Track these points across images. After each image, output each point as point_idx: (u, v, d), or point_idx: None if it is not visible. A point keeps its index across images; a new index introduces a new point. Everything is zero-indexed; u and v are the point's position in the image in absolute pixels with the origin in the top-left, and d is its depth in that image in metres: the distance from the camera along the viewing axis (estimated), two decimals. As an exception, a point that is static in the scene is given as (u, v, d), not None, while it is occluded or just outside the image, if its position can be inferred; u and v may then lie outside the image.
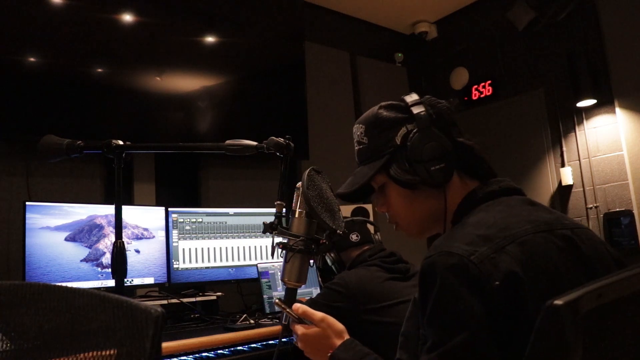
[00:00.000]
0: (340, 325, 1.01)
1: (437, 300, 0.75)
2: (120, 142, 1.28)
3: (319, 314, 1.01)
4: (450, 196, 0.94)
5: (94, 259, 2.10)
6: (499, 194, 0.92)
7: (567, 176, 3.27)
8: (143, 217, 2.29)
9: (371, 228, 2.21)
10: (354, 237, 2.08)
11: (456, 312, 0.73)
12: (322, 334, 0.99)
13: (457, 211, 0.93)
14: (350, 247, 2.06)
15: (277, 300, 1.05)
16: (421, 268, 0.79)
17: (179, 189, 2.88)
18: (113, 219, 1.30)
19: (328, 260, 2.13)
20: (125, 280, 1.26)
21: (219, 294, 2.43)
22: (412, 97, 0.96)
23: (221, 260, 2.46)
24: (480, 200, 0.91)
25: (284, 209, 1.09)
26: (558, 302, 0.59)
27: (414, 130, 0.93)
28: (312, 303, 1.90)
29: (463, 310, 0.73)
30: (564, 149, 3.32)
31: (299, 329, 1.01)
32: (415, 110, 0.94)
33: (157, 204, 2.59)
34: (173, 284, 2.32)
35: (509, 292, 0.72)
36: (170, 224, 2.35)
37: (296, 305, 1.02)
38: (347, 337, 1.01)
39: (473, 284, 0.73)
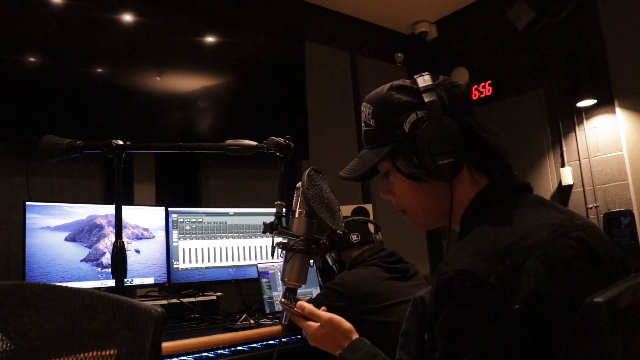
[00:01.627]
0: (347, 325, 1.02)
1: (450, 317, 0.73)
2: (120, 142, 1.27)
3: (325, 316, 1.01)
4: (458, 191, 0.89)
5: (94, 259, 2.10)
6: (512, 192, 0.88)
7: (567, 176, 3.27)
8: (143, 217, 2.29)
9: (372, 227, 2.21)
10: (354, 237, 2.07)
11: (467, 333, 0.71)
12: (329, 335, 1.01)
13: (470, 209, 0.88)
14: (350, 247, 2.06)
15: (282, 300, 1.05)
16: (436, 283, 0.76)
17: (179, 189, 2.88)
18: (113, 219, 1.30)
19: (329, 260, 2.13)
20: (125, 280, 1.26)
21: (219, 294, 2.43)
22: (424, 81, 0.88)
23: (221, 260, 2.46)
24: (494, 199, 0.87)
25: (284, 209, 1.09)
26: (598, 299, 0.60)
27: (424, 119, 0.86)
28: (312, 303, 1.90)
29: (475, 333, 0.71)
30: (564, 149, 3.32)
31: (309, 327, 1.02)
32: (427, 98, 0.86)
33: (157, 204, 2.59)
34: (173, 284, 2.32)
35: (529, 314, 0.70)
36: (170, 224, 2.35)
37: (301, 305, 1.02)
38: (355, 336, 1.01)
39: (491, 308, 0.70)
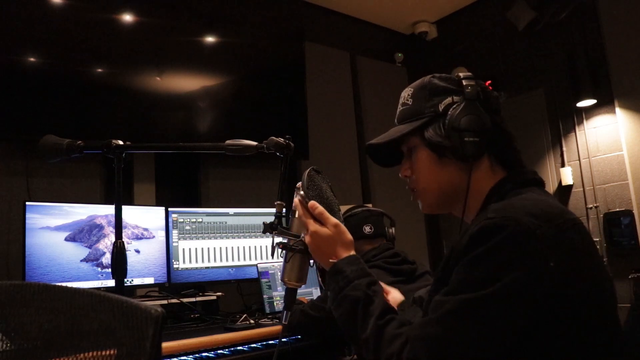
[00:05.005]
0: (349, 237, 1.01)
1: (487, 253, 0.77)
2: (120, 142, 1.27)
3: (333, 219, 1.00)
4: (475, 177, 0.94)
5: (94, 259, 2.10)
6: (530, 184, 0.94)
7: (567, 176, 3.27)
8: (143, 217, 2.29)
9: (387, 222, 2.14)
10: (367, 228, 2.00)
11: (498, 270, 0.75)
12: (331, 238, 0.99)
13: (493, 192, 0.93)
14: (361, 238, 1.99)
15: (301, 193, 1.02)
16: (483, 225, 0.79)
17: (179, 189, 2.88)
18: (113, 219, 1.30)
19: None
20: (125, 280, 1.26)
21: (219, 294, 2.43)
22: (466, 73, 0.97)
23: (221, 260, 2.46)
24: (516, 186, 0.92)
25: (284, 209, 1.09)
26: None
27: (459, 102, 0.93)
28: (312, 306, 1.88)
29: (506, 272, 0.74)
30: (564, 149, 3.32)
31: (312, 224, 1.00)
32: (466, 83, 0.95)
33: (157, 204, 2.59)
34: (173, 284, 2.31)
35: (560, 276, 0.75)
36: (170, 224, 2.35)
37: (313, 204, 1.01)
38: (353, 251, 1.01)
39: (530, 257, 0.75)
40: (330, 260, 0.99)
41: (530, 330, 0.75)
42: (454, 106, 0.93)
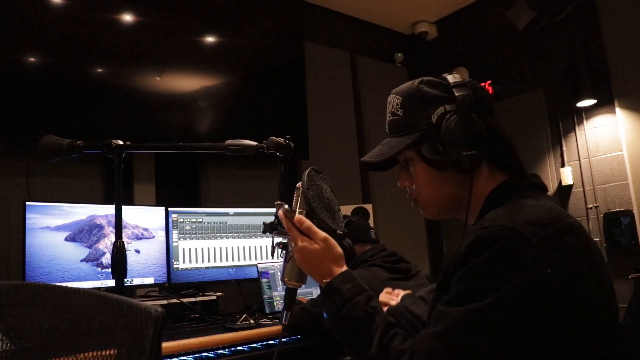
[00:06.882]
0: (339, 250, 0.98)
1: (484, 264, 0.77)
2: (120, 142, 1.27)
3: (322, 234, 0.97)
4: (475, 184, 0.93)
5: (94, 259, 2.10)
6: (531, 188, 0.92)
7: (567, 176, 3.27)
8: (143, 217, 2.29)
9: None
10: (372, 233, 2.13)
11: (495, 281, 0.76)
12: (321, 254, 0.96)
13: (491, 197, 0.91)
14: (367, 241, 2.10)
15: (286, 207, 0.99)
16: (479, 235, 0.79)
17: (179, 189, 2.88)
18: (113, 219, 1.30)
19: (345, 244, 2.11)
20: (125, 280, 1.26)
21: (219, 294, 2.43)
22: (455, 78, 0.94)
23: (221, 260, 2.46)
24: (516, 190, 0.90)
25: (284, 209, 1.09)
26: None
27: (452, 112, 0.91)
28: (313, 303, 1.90)
29: (502, 283, 0.75)
30: (564, 149, 3.32)
31: (299, 240, 0.97)
32: (458, 92, 0.91)
33: (157, 204, 2.59)
34: (173, 284, 2.32)
35: (559, 282, 0.75)
36: (170, 224, 2.35)
37: (300, 219, 0.98)
38: (344, 265, 0.99)
39: (526, 266, 0.75)
40: (324, 280, 0.97)
41: (532, 337, 0.75)
42: (447, 116, 0.90)
